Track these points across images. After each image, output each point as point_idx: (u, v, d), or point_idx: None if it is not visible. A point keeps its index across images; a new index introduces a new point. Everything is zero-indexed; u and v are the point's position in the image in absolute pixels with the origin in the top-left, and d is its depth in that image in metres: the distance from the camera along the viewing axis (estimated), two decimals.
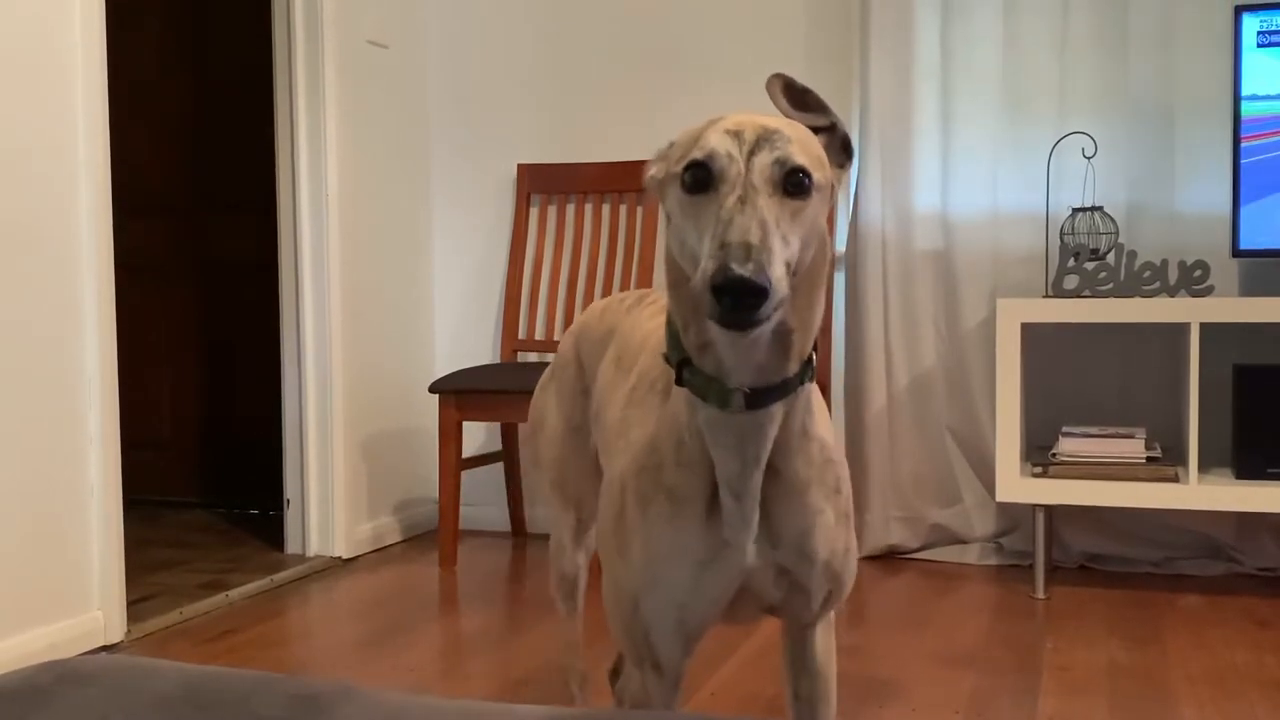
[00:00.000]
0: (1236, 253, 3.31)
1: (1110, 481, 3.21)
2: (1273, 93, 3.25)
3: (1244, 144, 3.26)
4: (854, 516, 1.39)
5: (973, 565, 3.63)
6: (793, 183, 1.07)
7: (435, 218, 4.31)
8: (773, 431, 1.20)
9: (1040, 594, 3.26)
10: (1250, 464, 3.20)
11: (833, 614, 1.49)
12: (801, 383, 1.20)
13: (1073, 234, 3.39)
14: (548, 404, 1.89)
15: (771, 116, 1.14)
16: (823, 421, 1.30)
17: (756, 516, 1.25)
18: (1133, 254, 3.27)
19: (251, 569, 3.58)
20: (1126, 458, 3.24)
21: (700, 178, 1.07)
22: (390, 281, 4.07)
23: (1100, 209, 3.41)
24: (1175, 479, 3.18)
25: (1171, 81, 3.51)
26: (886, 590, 3.40)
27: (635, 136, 4.06)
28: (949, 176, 3.69)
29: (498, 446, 4.11)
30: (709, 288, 1.00)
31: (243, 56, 4.37)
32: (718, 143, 1.08)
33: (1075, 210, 3.41)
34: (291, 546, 3.80)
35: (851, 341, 3.74)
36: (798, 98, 1.18)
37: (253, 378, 4.48)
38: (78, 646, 2.76)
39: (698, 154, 1.08)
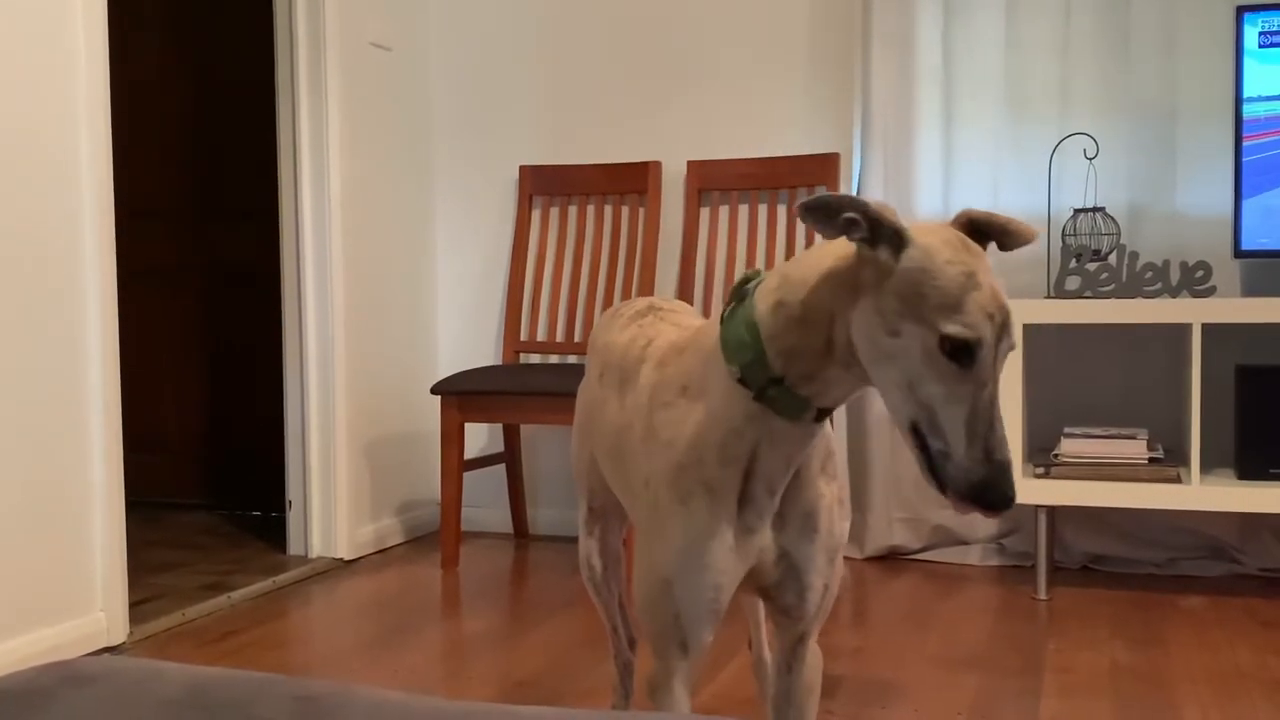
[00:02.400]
0: (1238, 253, 3.31)
1: (1112, 482, 3.21)
2: (1273, 93, 3.25)
3: (1245, 143, 3.26)
4: (848, 504, 1.54)
5: (975, 566, 3.63)
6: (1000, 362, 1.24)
7: (438, 220, 4.32)
8: (813, 437, 1.37)
9: (1042, 595, 3.26)
10: (1253, 464, 3.20)
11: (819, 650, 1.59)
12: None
13: (1074, 235, 3.39)
14: (578, 399, 1.96)
15: (983, 260, 1.26)
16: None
17: (770, 510, 1.40)
18: (1134, 255, 3.27)
19: (254, 570, 3.59)
20: (1129, 459, 3.24)
21: (960, 349, 1.19)
22: (393, 284, 4.07)
23: (1102, 210, 3.41)
24: (1177, 480, 3.18)
25: (1173, 82, 3.51)
26: (889, 591, 3.40)
27: (637, 139, 4.06)
28: (951, 178, 3.69)
29: (500, 448, 4.12)
30: (971, 494, 1.18)
31: (245, 60, 4.38)
32: (986, 332, 1.20)
33: (1077, 211, 3.41)
34: (294, 548, 3.81)
35: None
36: (997, 230, 1.33)
37: (256, 380, 4.49)
38: (80, 648, 2.76)
39: (969, 336, 1.19)
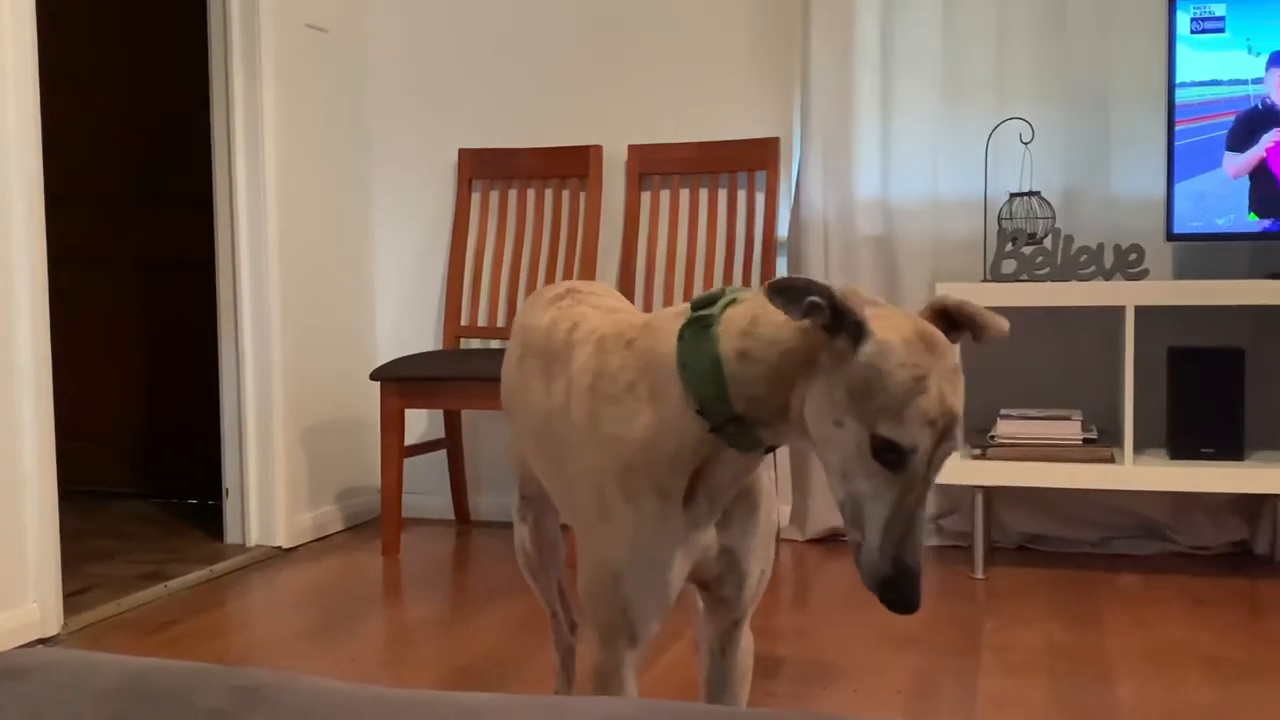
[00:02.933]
0: (1170, 237, 3.36)
1: (1048, 463, 3.25)
2: (1205, 79, 3.30)
3: (1178, 128, 3.31)
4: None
5: None
6: (939, 464, 1.23)
7: (376, 204, 4.28)
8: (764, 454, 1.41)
9: (980, 574, 3.30)
10: (1184, 445, 3.26)
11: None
12: None
13: (1010, 219, 3.42)
14: (501, 385, 1.95)
15: (951, 372, 1.24)
16: None
17: (722, 509, 1.44)
18: (1069, 238, 3.31)
19: (191, 560, 3.54)
20: (1063, 439, 3.29)
21: (892, 451, 1.19)
22: (330, 269, 4.03)
23: (1037, 194, 3.44)
24: (1111, 460, 3.23)
25: (1107, 68, 3.55)
26: (829, 573, 3.43)
27: (578, 122, 4.05)
28: (889, 163, 3.72)
29: (441, 434, 4.09)
30: (877, 590, 1.23)
31: (180, 41, 4.31)
32: (920, 440, 1.19)
33: (1013, 195, 3.45)
34: (231, 536, 3.77)
35: None
36: (967, 320, 1.33)
37: (192, 367, 4.43)
38: (13, 640, 2.71)
39: (902, 441, 1.19)
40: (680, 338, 1.36)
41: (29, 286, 2.79)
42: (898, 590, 1.21)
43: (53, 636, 2.83)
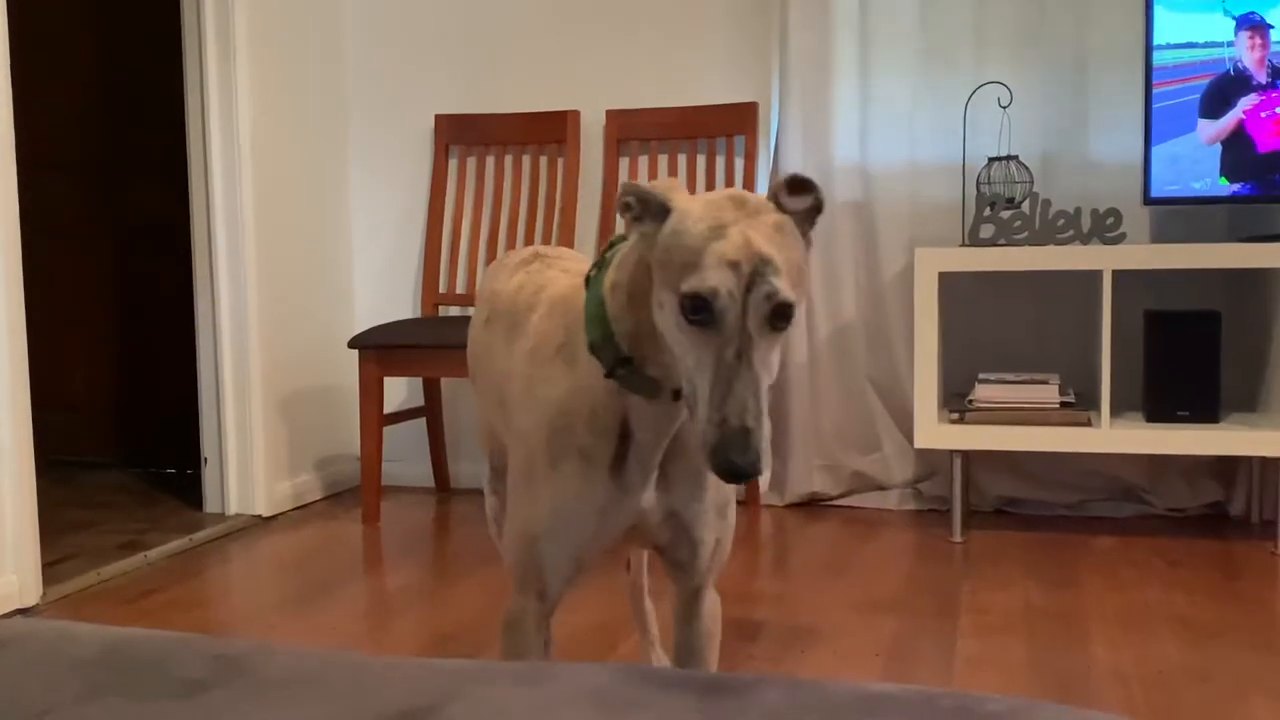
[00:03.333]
0: (1148, 200, 3.37)
1: (1025, 427, 3.27)
2: (1182, 41, 3.30)
3: (1155, 91, 3.31)
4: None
5: (892, 511, 3.69)
6: (779, 316, 1.14)
7: (352, 170, 4.25)
8: (682, 411, 1.32)
9: (958, 538, 3.33)
10: (1160, 408, 3.28)
11: (718, 598, 1.61)
12: None
13: (989, 183, 3.42)
14: (468, 349, 1.94)
15: (763, 224, 1.17)
16: None
17: (656, 473, 1.40)
18: (1047, 203, 3.31)
19: (170, 529, 3.53)
20: (1041, 403, 3.30)
21: (699, 308, 1.14)
22: (307, 236, 4.01)
23: (1015, 158, 3.45)
24: (1088, 424, 3.25)
25: (1084, 31, 3.55)
26: (808, 537, 3.45)
27: (555, 87, 4.02)
28: (868, 127, 3.71)
29: (420, 402, 4.09)
30: (709, 462, 1.12)
31: (151, 6, 4.25)
32: (719, 280, 1.13)
33: (991, 160, 3.45)
34: (210, 505, 3.76)
35: None
36: (798, 188, 1.21)
37: (168, 336, 4.40)
38: None
39: (700, 288, 1.13)
40: (586, 285, 1.36)
41: (2, 258, 2.76)
42: (722, 454, 1.10)
43: (32, 607, 2.82)
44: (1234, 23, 3.27)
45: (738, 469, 1.10)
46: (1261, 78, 3.26)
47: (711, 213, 1.17)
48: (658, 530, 1.44)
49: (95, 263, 4.62)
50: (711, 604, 1.59)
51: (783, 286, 1.14)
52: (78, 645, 1.02)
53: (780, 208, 1.20)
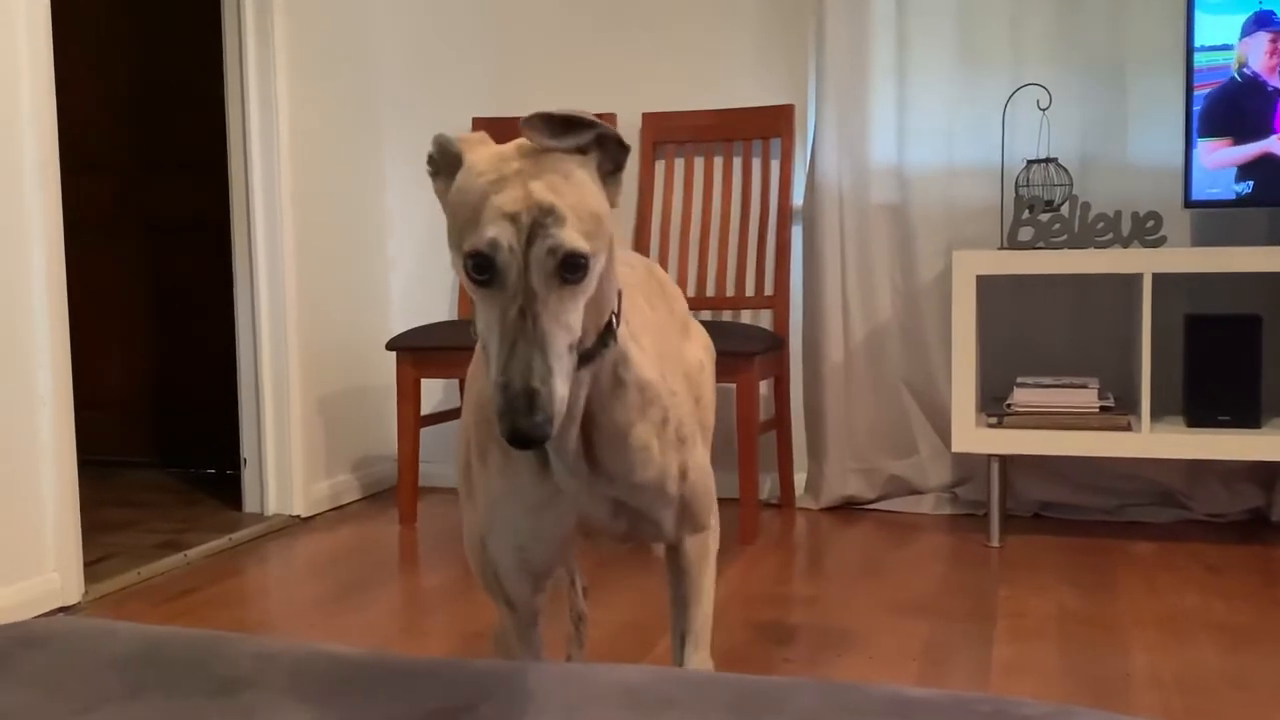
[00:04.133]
0: (1188, 203, 3.34)
1: (1064, 431, 3.25)
2: (1223, 43, 3.27)
3: (1196, 93, 3.28)
4: (700, 438, 1.45)
5: (928, 515, 3.67)
6: (569, 267, 1.08)
7: (388, 172, 4.27)
8: (582, 392, 1.25)
9: (994, 543, 3.31)
10: (1201, 412, 3.25)
11: (710, 530, 1.53)
12: (599, 352, 1.23)
13: (1027, 186, 3.40)
14: None
15: (549, 172, 1.11)
16: (645, 365, 1.33)
17: (581, 464, 1.31)
18: (1086, 205, 3.29)
19: (209, 528, 3.57)
20: (1080, 408, 3.28)
21: (482, 266, 1.07)
22: (345, 237, 4.04)
23: (1054, 161, 3.42)
24: (1128, 428, 3.22)
25: (1124, 33, 3.52)
26: (843, 541, 3.44)
27: (590, 88, 4.03)
28: (905, 130, 3.70)
29: (456, 403, 4.10)
30: (498, 428, 1.04)
31: (189, 9, 4.29)
32: (498, 233, 1.06)
33: (1030, 162, 3.43)
34: (249, 505, 3.79)
35: (809, 296, 3.75)
36: (559, 128, 1.14)
37: (207, 337, 4.44)
38: (35, 608, 2.74)
39: (479, 244, 1.07)
40: None
41: (45, 257, 2.80)
42: (507, 420, 1.02)
43: (73, 605, 2.86)
44: (1247, 22, 3.22)
45: (521, 433, 1.02)
46: (1276, 82, 3.22)
47: (495, 164, 1.10)
48: (610, 521, 1.38)
49: (131, 262, 4.67)
50: (694, 547, 1.51)
51: (568, 236, 1.07)
52: (118, 643, 1.03)
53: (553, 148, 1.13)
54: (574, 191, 1.10)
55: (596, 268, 1.11)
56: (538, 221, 1.06)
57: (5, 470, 2.72)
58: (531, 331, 1.05)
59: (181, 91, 4.46)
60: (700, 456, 1.45)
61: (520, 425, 1.02)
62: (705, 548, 1.53)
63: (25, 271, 2.77)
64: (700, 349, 1.73)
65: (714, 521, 1.53)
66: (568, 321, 1.08)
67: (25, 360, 2.77)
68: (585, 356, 1.21)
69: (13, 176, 2.73)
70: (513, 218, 1.06)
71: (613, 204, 1.17)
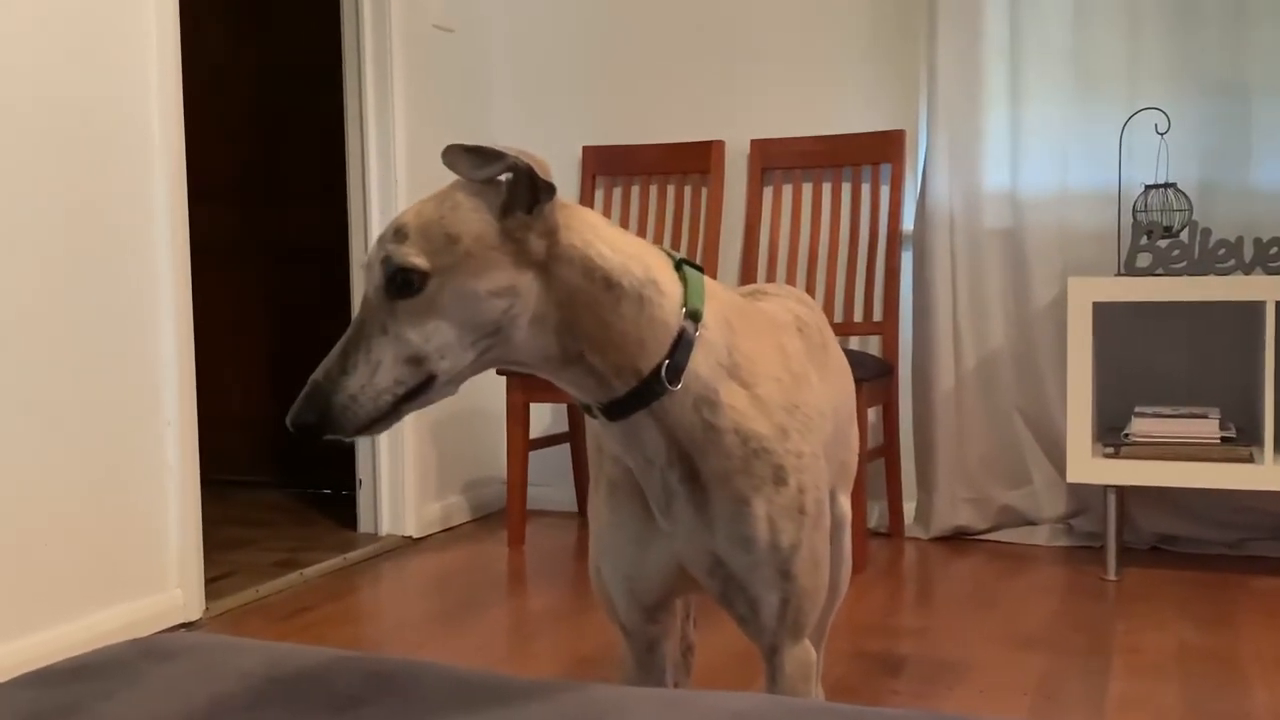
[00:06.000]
0: None
1: (1184, 462, 3.17)
2: None
3: None
4: (824, 520, 1.38)
5: (1042, 546, 3.61)
6: (395, 283, 1.13)
7: None
8: (653, 435, 1.26)
9: (1111, 575, 3.23)
10: None
11: (811, 653, 1.42)
12: (656, 391, 1.23)
13: (1145, 211, 3.34)
14: None
15: (432, 199, 1.19)
16: (751, 415, 1.29)
17: (685, 509, 1.30)
18: (1207, 231, 3.21)
19: (325, 548, 3.64)
20: (1200, 438, 3.20)
21: None
22: None
23: (1173, 186, 3.35)
24: (1250, 459, 3.13)
25: (1245, 56, 3.44)
26: (954, 572, 3.39)
27: (698, 118, 4.06)
28: (1018, 154, 3.65)
29: (565, 428, 4.14)
30: None
31: (311, 42, 4.42)
32: (369, 253, 1.17)
33: (1148, 187, 3.36)
34: (364, 525, 3.87)
35: (919, 322, 3.72)
36: (474, 160, 1.18)
37: (322, 360, 4.54)
38: (158, 623, 2.83)
39: None
40: None
41: (172, 282, 2.90)
42: (290, 425, 1.13)
43: (195, 621, 2.94)
44: None
45: (290, 422, 1.11)
46: None
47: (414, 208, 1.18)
48: (707, 578, 1.34)
49: (251, 286, 4.80)
50: (794, 663, 1.39)
51: (396, 251, 1.13)
52: (243, 658, 1.07)
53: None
54: (438, 214, 1.16)
55: (444, 287, 1.13)
56: (384, 239, 1.15)
57: (132, 489, 2.81)
58: (350, 336, 1.14)
59: (302, 123, 4.59)
60: (820, 543, 1.36)
61: (291, 414, 1.11)
62: (808, 668, 1.41)
63: (154, 296, 2.87)
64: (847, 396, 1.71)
65: (822, 640, 1.47)
66: (401, 333, 1.13)
67: (152, 382, 2.87)
68: (639, 396, 1.22)
69: (143, 205, 2.84)
70: (380, 238, 1.16)
71: (523, 236, 1.17)
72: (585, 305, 1.19)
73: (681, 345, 1.23)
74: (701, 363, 1.25)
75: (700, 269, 1.30)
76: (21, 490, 2.54)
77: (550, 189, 1.18)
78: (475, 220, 1.16)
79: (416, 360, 1.14)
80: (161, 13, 2.88)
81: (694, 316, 1.24)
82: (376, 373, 1.13)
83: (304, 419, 1.11)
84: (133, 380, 2.82)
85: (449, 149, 1.18)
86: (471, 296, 1.15)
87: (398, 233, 1.15)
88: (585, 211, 1.24)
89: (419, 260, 1.13)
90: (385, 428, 1.16)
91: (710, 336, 1.26)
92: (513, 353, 1.20)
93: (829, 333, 1.71)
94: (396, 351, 1.13)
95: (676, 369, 1.23)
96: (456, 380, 1.18)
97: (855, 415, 1.73)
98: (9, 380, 2.52)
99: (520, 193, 1.18)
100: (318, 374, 1.12)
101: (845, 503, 1.82)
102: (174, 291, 2.90)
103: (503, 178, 1.18)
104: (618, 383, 1.22)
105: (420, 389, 1.15)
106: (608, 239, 1.22)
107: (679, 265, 1.28)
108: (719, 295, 1.31)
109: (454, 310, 1.14)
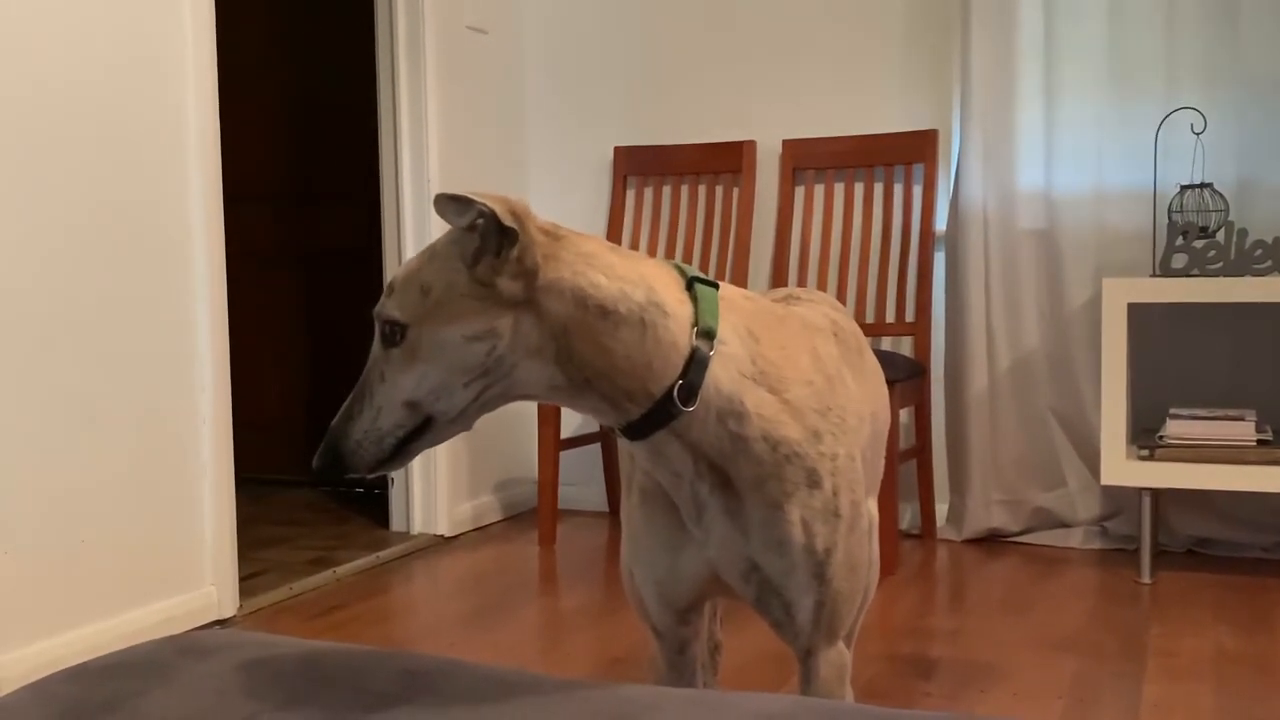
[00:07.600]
0: None
1: (1219, 464, 3.14)
2: None
3: None
4: (861, 522, 1.38)
5: (1076, 549, 3.58)
6: (386, 335, 1.22)
7: (533, 201, 4.35)
8: (677, 451, 1.27)
9: (1146, 579, 3.21)
10: None
11: (845, 655, 1.43)
12: (672, 413, 1.24)
13: (1181, 211, 3.31)
14: None
15: (425, 250, 1.25)
16: (781, 422, 1.29)
17: (708, 516, 1.32)
18: (1243, 232, 3.19)
19: (357, 546, 3.67)
20: (1236, 440, 3.17)
21: None
22: None
23: (1209, 186, 3.33)
24: None
25: None
26: (987, 574, 3.37)
27: (731, 118, 4.05)
28: (1052, 153, 3.63)
29: (595, 428, 4.15)
30: None
31: (345, 44, 4.45)
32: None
33: (1184, 187, 3.33)
34: (396, 524, 3.88)
35: (952, 323, 3.70)
36: (455, 207, 1.21)
37: (358, 362, 4.57)
38: (191, 621, 2.85)
39: None
40: None
41: (208, 284, 2.92)
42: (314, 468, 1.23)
43: (229, 618, 2.96)
44: None
45: (314, 463, 1.22)
46: None
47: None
48: (742, 584, 1.34)
49: (285, 288, 4.84)
50: (829, 666, 1.40)
51: (384, 305, 1.22)
52: (279, 656, 1.08)
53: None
54: (418, 266, 1.23)
55: (421, 336, 1.19)
56: (375, 315, 1.23)
57: (168, 487, 2.84)
58: (359, 384, 1.23)
59: (336, 127, 4.61)
60: (856, 546, 1.36)
61: (315, 458, 1.22)
62: (843, 670, 1.43)
63: (189, 297, 2.89)
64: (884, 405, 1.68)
65: (851, 642, 1.46)
66: (395, 380, 1.21)
67: (188, 381, 2.89)
68: (657, 416, 1.24)
69: (180, 207, 2.87)
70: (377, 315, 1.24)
71: (492, 280, 1.19)
72: (581, 335, 1.20)
73: (695, 365, 1.23)
74: (722, 376, 1.25)
75: (715, 285, 1.29)
76: (59, 489, 2.57)
77: (511, 234, 1.19)
78: (446, 270, 1.21)
79: (411, 405, 1.21)
80: (197, 16, 2.90)
81: (707, 334, 1.24)
82: (378, 418, 1.21)
83: (321, 462, 1.22)
84: (169, 380, 2.84)
85: (438, 198, 1.22)
86: (447, 343, 1.20)
87: (388, 287, 1.23)
88: (581, 240, 1.24)
89: (396, 313, 1.21)
90: (395, 467, 1.24)
91: (730, 350, 1.26)
92: (517, 387, 1.22)
93: (863, 340, 1.70)
94: (393, 397, 1.21)
95: (690, 389, 1.23)
96: (461, 420, 1.23)
97: (889, 424, 1.72)
98: (48, 380, 2.54)
99: (490, 238, 1.20)
100: (334, 420, 1.22)
101: (872, 505, 1.81)
102: (210, 292, 2.92)
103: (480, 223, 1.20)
104: (631, 406, 1.24)
105: (421, 430, 1.22)
106: (604, 266, 1.22)
107: (691, 283, 1.28)
108: (739, 306, 1.30)
109: (434, 356, 1.20)
